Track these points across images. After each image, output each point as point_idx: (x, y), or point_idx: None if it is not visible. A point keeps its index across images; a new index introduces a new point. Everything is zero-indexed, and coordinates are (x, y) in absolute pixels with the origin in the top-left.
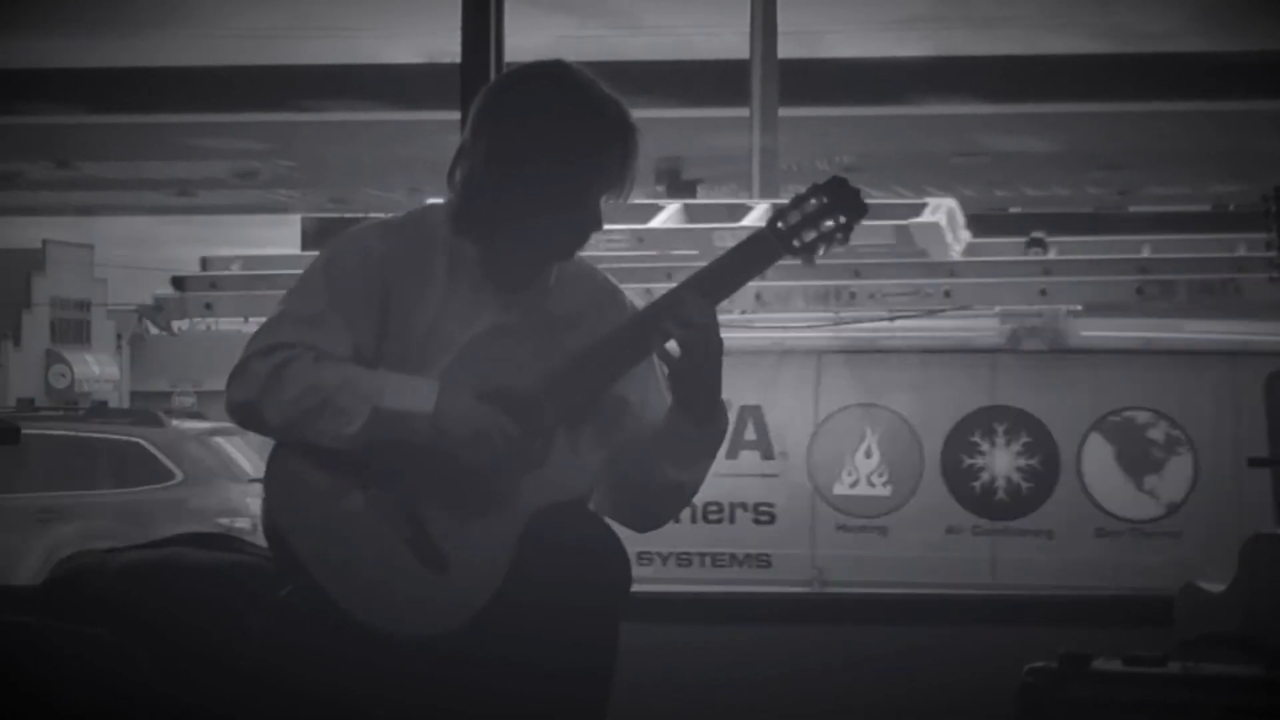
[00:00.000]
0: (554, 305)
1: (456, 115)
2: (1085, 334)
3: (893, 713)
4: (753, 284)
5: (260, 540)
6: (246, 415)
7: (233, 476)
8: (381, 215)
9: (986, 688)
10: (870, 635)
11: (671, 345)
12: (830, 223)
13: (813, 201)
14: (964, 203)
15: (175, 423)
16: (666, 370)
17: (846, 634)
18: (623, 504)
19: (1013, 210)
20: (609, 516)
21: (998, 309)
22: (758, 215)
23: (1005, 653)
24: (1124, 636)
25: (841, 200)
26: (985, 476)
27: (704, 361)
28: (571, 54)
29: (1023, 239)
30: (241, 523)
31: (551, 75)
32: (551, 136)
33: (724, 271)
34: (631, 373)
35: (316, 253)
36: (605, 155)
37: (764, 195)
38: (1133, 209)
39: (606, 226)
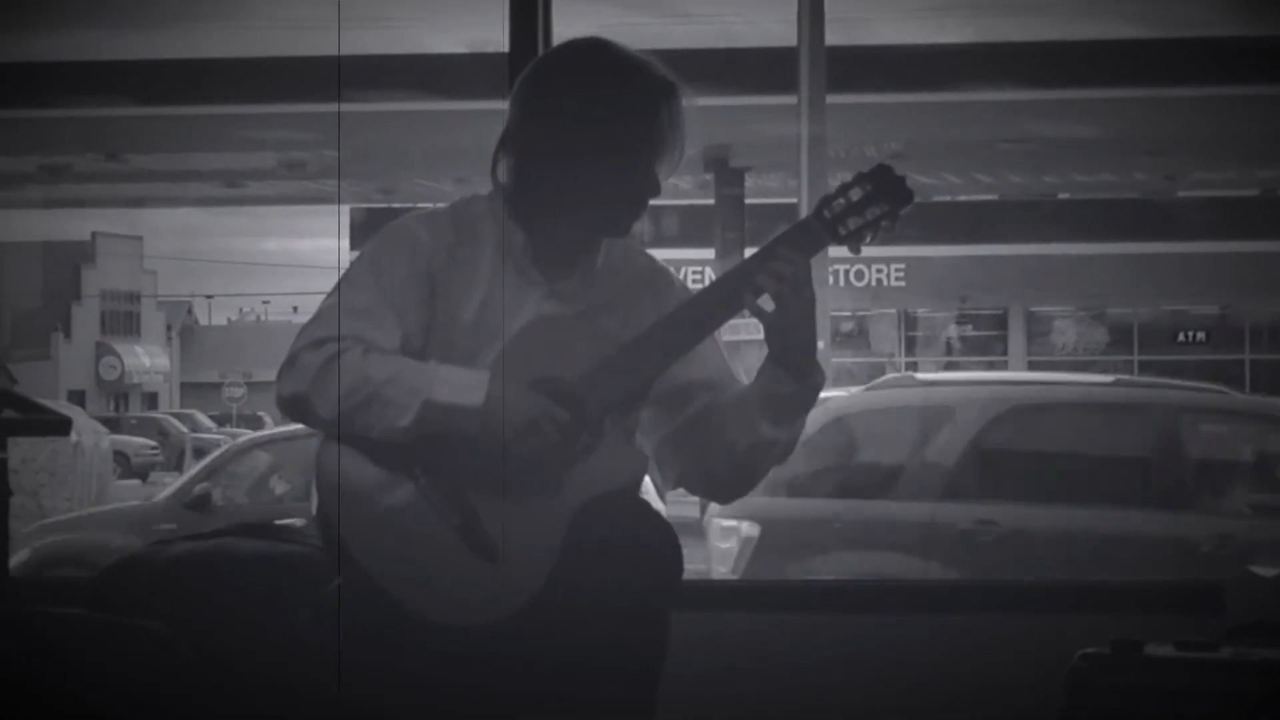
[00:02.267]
0: (600, 291)
1: (503, 105)
2: None
3: (944, 699)
4: None
5: (309, 531)
6: (296, 408)
7: None
8: (427, 205)
9: (1038, 673)
10: (921, 622)
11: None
12: (876, 210)
13: (858, 189)
14: (1012, 189)
15: None
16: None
17: (898, 621)
18: (707, 475)
19: (1061, 196)
20: (689, 490)
21: None
22: None
23: (1057, 638)
24: (1176, 622)
25: (887, 188)
26: None
27: (799, 314)
28: None
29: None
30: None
31: (586, 50)
32: (596, 109)
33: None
34: (701, 351)
35: None
36: (652, 118)
37: (812, 183)
38: (1181, 195)
39: None
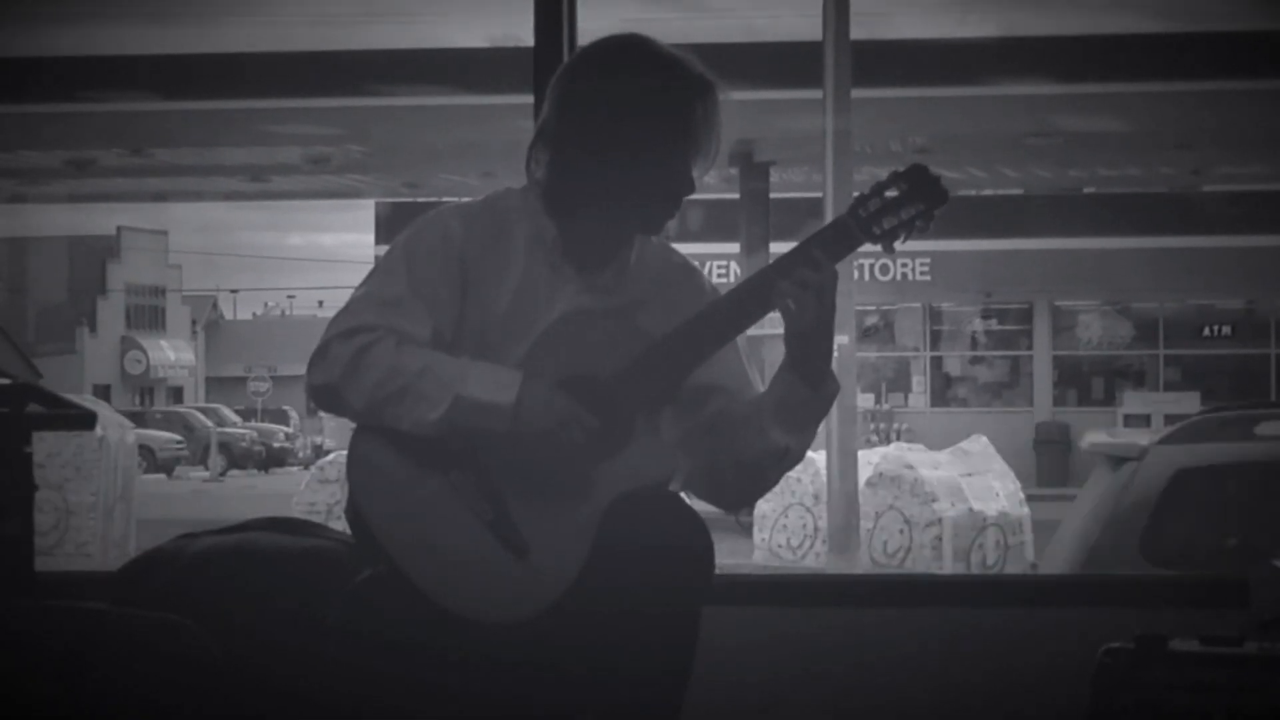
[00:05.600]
0: (632, 286)
1: (528, 99)
2: None
3: (969, 694)
4: None
5: (333, 524)
6: (327, 398)
7: None
8: (457, 199)
9: (1063, 669)
10: (945, 617)
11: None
12: (910, 210)
13: (893, 188)
14: (1037, 184)
15: None
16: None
17: (922, 616)
18: (715, 480)
19: (1086, 190)
20: (696, 495)
21: None
22: None
23: (1082, 634)
24: (1201, 617)
25: (922, 187)
26: None
27: (818, 321)
28: None
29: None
30: None
31: (626, 46)
32: (634, 105)
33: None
34: (720, 354)
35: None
36: (688, 115)
37: (837, 177)
38: (1207, 189)
39: None
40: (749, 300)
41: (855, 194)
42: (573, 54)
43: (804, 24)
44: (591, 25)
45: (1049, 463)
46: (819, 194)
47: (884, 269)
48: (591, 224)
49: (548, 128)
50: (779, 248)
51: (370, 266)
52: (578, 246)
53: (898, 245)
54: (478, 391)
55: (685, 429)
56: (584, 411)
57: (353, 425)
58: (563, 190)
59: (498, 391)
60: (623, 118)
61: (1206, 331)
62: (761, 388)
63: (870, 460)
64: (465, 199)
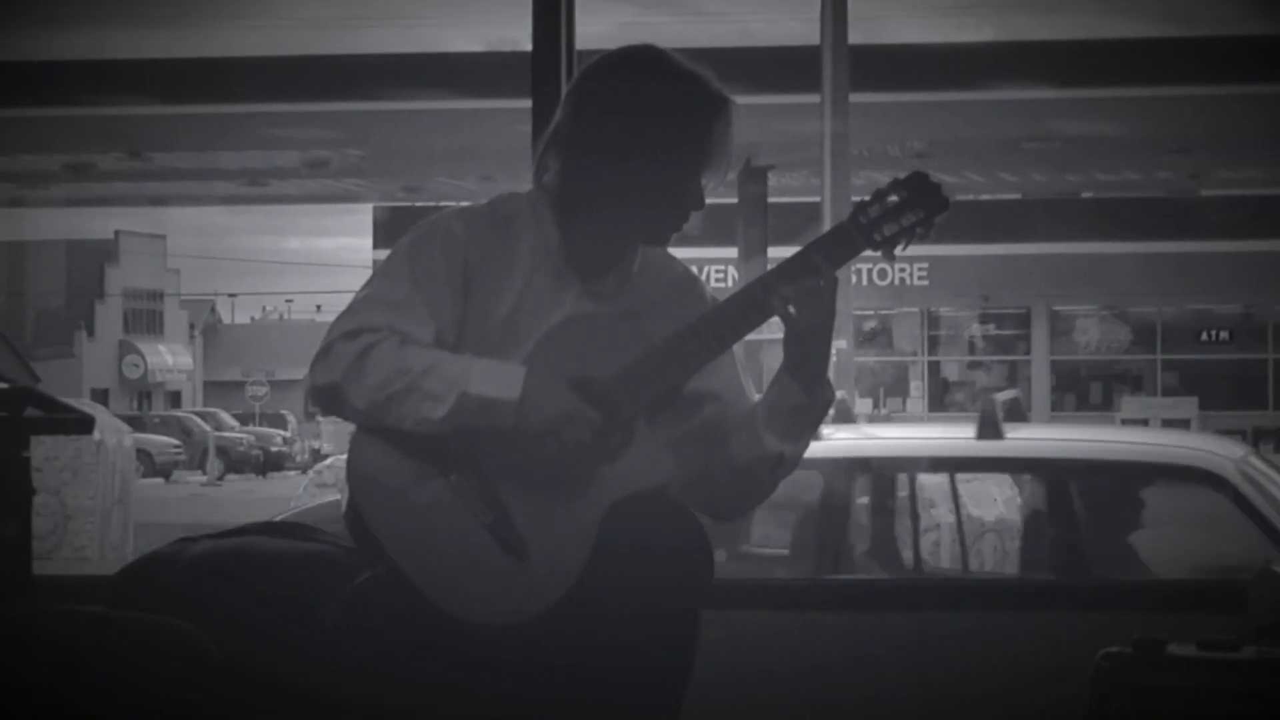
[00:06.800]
0: (636, 293)
1: (525, 103)
2: None
3: (967, 698)
4: None
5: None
6: (330, 398)
7: None
8: (455, 203)
9: (1061, 672)
10: (943, 621)
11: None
12: (911, 217)
13: (894, 195)
14: (1035, 188)
15: None
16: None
17: (921, 620)
18: (711, 492)
19: (1084, 195)
20: (691, 505)
21: None
22: None
23: (1080, 637)
24: (1199, 622)
25: (922, 194)
26: None
27: (817, 324)
28: (633, 41)
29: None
30: None
31: (649, 59)
32: (649, 117)
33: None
34: (715, 361)
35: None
36: (702, 131)
37: (835, 181)
38: (1205, 193)
39: None
40: (750, 305)
41: (855, 200)
42: (589, 62)
43: (801, 28)
44: (589, 30)
45: None
46: (817, 198)
47: (882, 274)
48: (597, 230)
49: (561, 132)
50: (777, 252)
51: (368, 271)
52: (581, 253)
53: (898, 252)
54: (483, 387)
55: (677, 435)
56: (587, 408)
57: (351, 429)
58: (573, 193)
59: (503, 387)
60: (641, 125)
61: (1204, 336)
62: (756, 398)
63: None
64: (465, 203)
